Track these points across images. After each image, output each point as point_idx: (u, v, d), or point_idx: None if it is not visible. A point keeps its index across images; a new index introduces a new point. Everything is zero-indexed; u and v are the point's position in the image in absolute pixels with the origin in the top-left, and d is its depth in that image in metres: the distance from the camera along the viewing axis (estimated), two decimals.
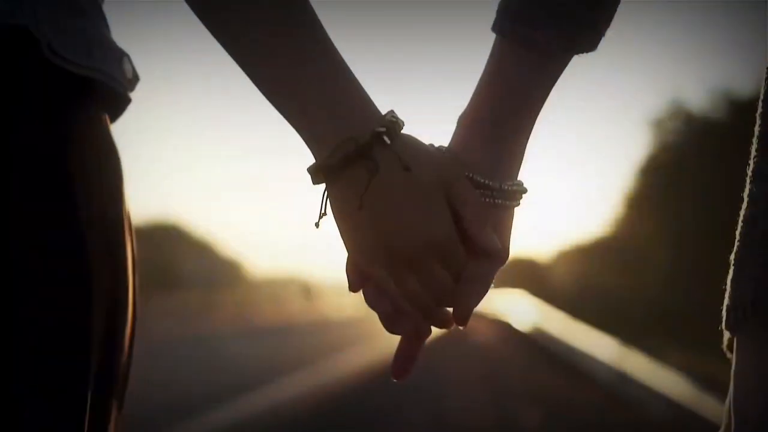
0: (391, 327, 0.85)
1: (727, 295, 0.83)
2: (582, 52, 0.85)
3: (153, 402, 6.55)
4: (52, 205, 0.78)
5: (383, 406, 6.64)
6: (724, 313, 0.83)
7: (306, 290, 45.03)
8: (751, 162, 0.83)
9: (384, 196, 0.79)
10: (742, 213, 0.83)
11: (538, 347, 13.82)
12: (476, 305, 0.85)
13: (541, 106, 0.86)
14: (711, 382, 6.33)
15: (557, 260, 35.96)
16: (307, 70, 0.78)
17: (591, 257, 25.51)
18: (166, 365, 9.82)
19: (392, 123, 0.80)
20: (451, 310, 0.85)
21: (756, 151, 0.83)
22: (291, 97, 0.80)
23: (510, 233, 0.86)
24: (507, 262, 0.86)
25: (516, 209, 0.87)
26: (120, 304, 0.87)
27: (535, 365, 11.00)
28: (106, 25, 0.89)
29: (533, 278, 36.26)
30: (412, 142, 0.82)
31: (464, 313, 0.84)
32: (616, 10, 0.85)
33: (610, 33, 0.87)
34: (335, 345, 13.30)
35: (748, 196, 0.82)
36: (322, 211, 0.83)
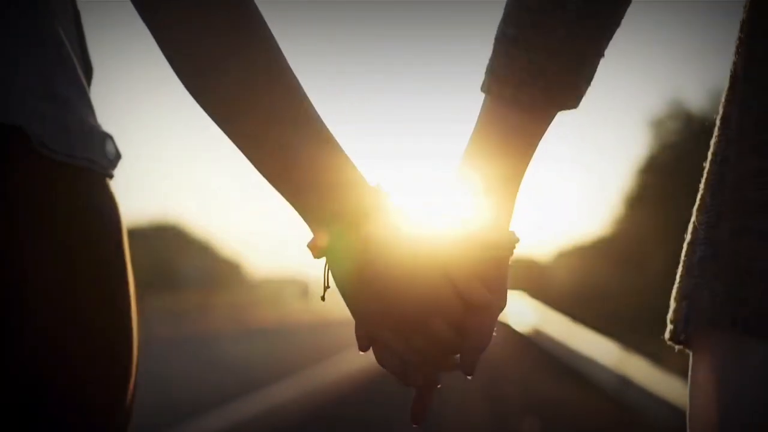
0: (405, 381, 0.91)
1: (674, 307, 0.87)
2: (564, 109, 0.89)
3: (153, 402, 6.54)
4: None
5: (382, 406, 6.63)
6: (669, 325, 0.88)
7: (305, 290, 45.04)
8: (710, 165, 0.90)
9: (379, 264, 0.85)
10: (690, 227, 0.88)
11: (538, 349, 13.83)
12: (481, 353, 0.90)
13: (530, 160, 0.91)
14: None
15: (557, 260, 35.97)
16: (299, 154, 0.83)
17: (591, 257, 25.51)
18: (166, 365, 9.82)
19: (381, 195, 0.86)
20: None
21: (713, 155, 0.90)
22: (285, 180, 0.85)
23: (505, 281, 0.91)
24: (505, 306, 0.91)
25: (509, 259, 0.92)
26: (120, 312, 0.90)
27: (534, 368, 11.00)
28: (91, 111, 0.94)
29: (533, 279, 36.28)
30: (400, 210, 0.87)
31: (470, 363, 0.90)
32: (595, 71, 0.89)
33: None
34: (334, 345, 13.30)
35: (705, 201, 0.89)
36: (326, 284, 0.89)
